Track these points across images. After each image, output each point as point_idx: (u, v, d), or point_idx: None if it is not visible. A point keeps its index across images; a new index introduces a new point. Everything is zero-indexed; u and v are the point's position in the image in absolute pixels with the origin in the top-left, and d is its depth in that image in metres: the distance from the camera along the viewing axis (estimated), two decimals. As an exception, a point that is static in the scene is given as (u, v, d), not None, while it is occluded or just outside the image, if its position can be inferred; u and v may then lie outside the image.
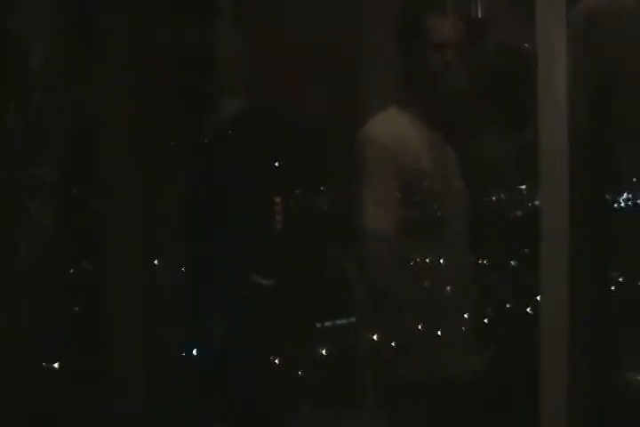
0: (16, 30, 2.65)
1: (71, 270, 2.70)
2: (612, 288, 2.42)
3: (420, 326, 2.56)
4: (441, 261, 2.52)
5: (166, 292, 2.90)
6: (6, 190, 2.54)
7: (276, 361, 3.05)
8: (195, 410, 2.82)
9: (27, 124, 2.66)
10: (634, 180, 2.42)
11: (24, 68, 2.71)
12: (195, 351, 3.00)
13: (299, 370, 3.04)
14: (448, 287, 2.56)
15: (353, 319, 2.91)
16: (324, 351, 3.04)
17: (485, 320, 2.66)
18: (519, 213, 2.63)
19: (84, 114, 2.64)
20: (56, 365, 2.59)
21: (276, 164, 2.68)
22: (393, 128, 2.51)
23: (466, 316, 2.57)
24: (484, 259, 2.60)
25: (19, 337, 2.53)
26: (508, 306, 2.61)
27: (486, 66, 2.59)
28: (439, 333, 2.54)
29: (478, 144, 2.62)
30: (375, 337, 2.68)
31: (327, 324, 2.98)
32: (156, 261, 2.78)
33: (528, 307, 2.52)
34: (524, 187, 2.64)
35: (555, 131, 2.07)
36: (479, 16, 2.74)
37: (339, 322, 2.96)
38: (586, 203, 2.23)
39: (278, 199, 2.82)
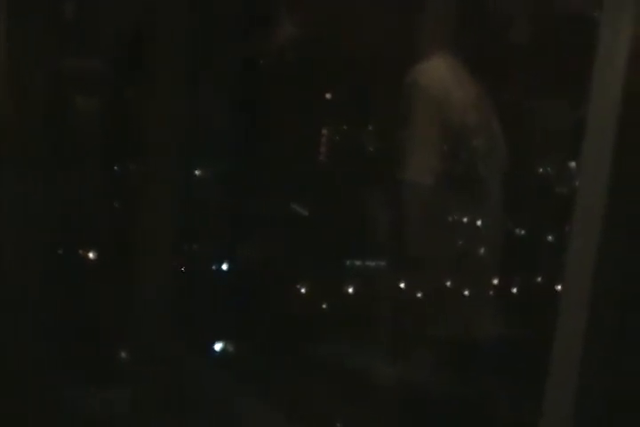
0: None
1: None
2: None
3: (445, 282, 2.51)
4: (476, 220, 2.43)
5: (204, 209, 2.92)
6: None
7: (302, 290, 3.05)
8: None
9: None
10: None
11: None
12: (224, 266, 3.03)
13: (322, 302, 3.04)
14: (478, 248, 2.49)
15: (383, 263, 2.88)
16: (350, 289, 3.03)
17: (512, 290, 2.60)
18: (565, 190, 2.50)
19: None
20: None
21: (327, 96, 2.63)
22: (443, 74, 2.38)
23: (490, 281, 2.51)
24: (518, 228, 2.51)
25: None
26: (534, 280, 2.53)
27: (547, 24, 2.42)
28: (463, 292, 2.50)
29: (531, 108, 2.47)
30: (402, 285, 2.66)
31: (357, 263, 2.96)
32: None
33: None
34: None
35: (605, 108, 1.95)
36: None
37: (369, 263, 2.94)
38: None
39: (324, 131, 2.76)
